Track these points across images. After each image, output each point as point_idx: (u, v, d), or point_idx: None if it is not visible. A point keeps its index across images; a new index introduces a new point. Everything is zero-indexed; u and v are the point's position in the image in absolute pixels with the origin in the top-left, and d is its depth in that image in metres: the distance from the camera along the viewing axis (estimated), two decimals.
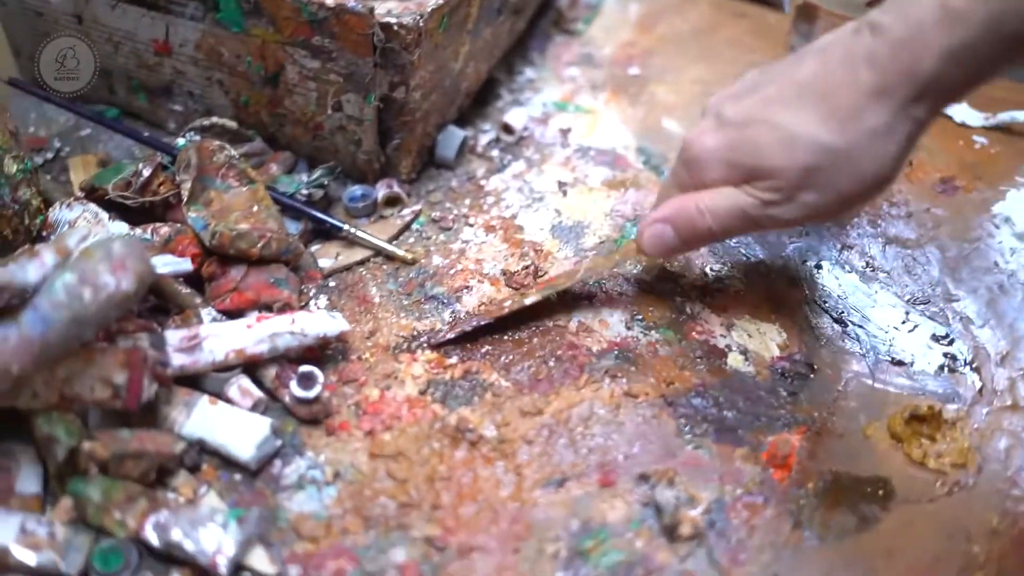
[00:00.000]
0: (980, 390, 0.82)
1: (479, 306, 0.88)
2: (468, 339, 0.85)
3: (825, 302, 0.88)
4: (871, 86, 0.68)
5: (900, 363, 0.84)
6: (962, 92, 0.69)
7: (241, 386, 0.78)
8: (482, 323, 0.85)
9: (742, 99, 0.75)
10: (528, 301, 0.85)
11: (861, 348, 0.85)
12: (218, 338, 0.77)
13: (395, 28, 0.85)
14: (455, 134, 1.01)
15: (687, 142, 0.78)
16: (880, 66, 0.68)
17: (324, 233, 0.94)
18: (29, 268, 0.66)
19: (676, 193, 0.80)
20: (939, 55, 0.66)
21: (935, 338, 0.86)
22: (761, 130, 0.72)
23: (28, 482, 0.71)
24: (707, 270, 0.91)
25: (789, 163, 0.71)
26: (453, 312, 0.87)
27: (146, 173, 0.86)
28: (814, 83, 0.71)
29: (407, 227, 0.96)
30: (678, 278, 0.90)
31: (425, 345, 0.84)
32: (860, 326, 0.86)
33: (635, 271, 0.89)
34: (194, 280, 0.85)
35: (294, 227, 0.91)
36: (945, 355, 0.84)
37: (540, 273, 0.91)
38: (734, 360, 0.83)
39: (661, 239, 0.80)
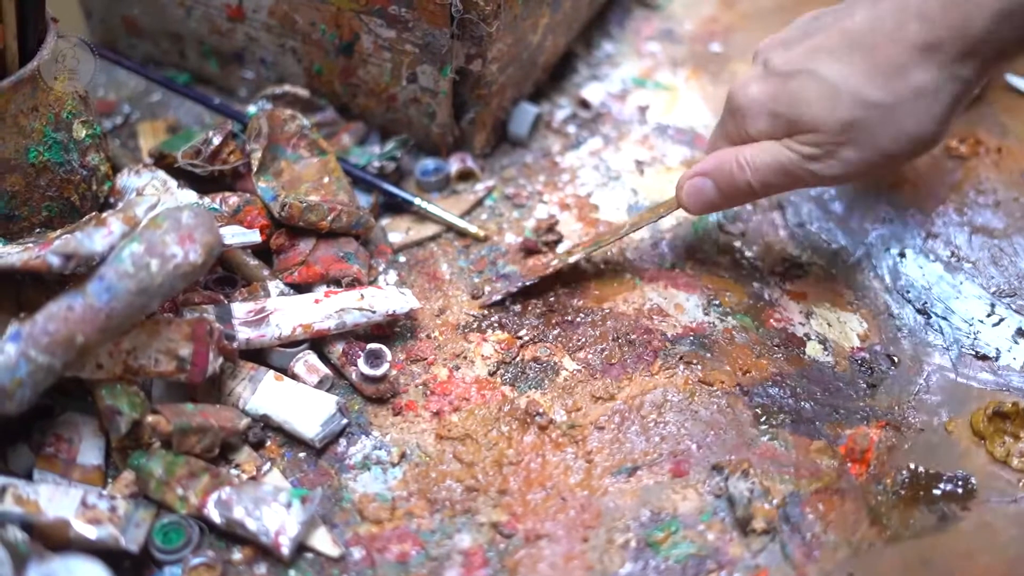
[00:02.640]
0: None
1: (526, 267, 0.87)
2: (517, 297, 0.85)
3: (908, 292, 0.85)
4: (920, 41, 0.67)
5: (984, 357, 0.81)
6: (1013, 54, 0.68)
7: (307, 362, 0.77)
8: (527, 283, 0.84)
9: (791, 47, 0.74)
10: (572, 259, 0.85)
11: (944, 341, 0.82)
12: (285, 312, 0.76)
13: None
14: (527, 111, 0.99)
15: (733, 90, 0.77)
16: (930, 20, 0.66)
17: (395, 207, 0.92)
18: (96, 237, 0.65)
19: (723, 144, 0.79)
20: (991, 14, 0.65)
21: (1021, 332, 0.83)
22: (805, 81, 0.71)
23: (90, 454, 0.71)
24: (787, 255, 0.88)
25: (830, 116, 0.70)
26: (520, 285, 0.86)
27: (216, 141, 0.85)
28: (862, 34, 0.70)
29: (479, 203, 0.94)
30: (756, 262, 0.88)
31: (480, 305, 0.85)
32: (943, 318, 0.84)
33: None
34: (262, 252, 0.84)
35: (364, 200, 0.90)
36: None
37: (558, 238, 0.90)
38: (812, 349, 0.81)
39: (700, 193, 0.79)
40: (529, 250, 0.88)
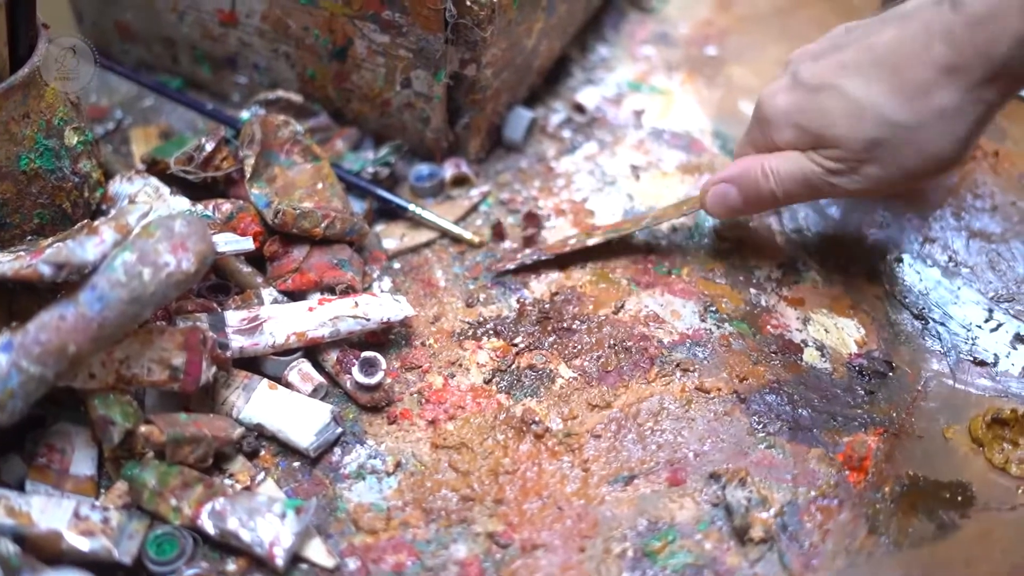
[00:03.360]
0: None
1: (544, 242, 0.89)
2: (527, 270, 0.87)
3: (905, 297, 0.85)
4: (944, 62, 0.68)
5: (983, 363, 0.81)
6: None
7: (302, 370, 0.76)
8: (543, 258, 0.86)
9: (819, 60, 0.75)
10: (590, 242, 0.87)
11: (942, 346, 0.82)
12: (279, 320, 0.76)
13: (468, 3, 0.83)
14: (522, 115, 0.98)
15: (760, 98, 0.78)
16: (955, 43, 0.67)
17: (389, 213, 0.92)
18: (88, 245, 0.65)
19: (750, 150, 0.80)
20: (1015, 40, 0.65)
21: (1020, 338, 0.82)
22: (830, 97, 0.72)
23: (83, 464, 0.71)
24: (783, 261, 0.88)
25: (853, 134, 0.71)
26: (520, 298, 0.85)
27: (209, 147, 0.84)
28: (888, 52, 0.70)
29: (474, 208, 0.94)
30: (753, 268, 0.87)
31: (490, 276, 0.86)
32: (941, 323, 0.83)
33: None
34: (255, 259, 0.83)
35: (358, 206, 0.90)
36: None
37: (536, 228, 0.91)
38: (810, 356, 0.81)
39: (724, 199, 0.81)
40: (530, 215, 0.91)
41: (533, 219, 0.91)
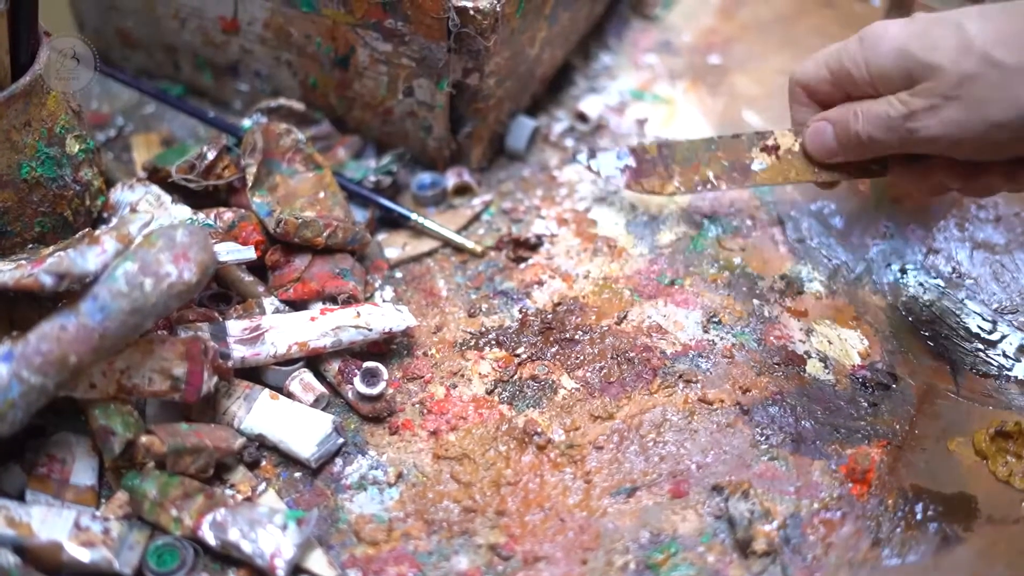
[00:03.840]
0: None
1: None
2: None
3: (909, 308, 0.85)
4: None
5: (986, 375, 0.80)
6: None
7: (303, 380, 0.76)
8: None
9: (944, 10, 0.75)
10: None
11: (946, 358, 0.81)
12: (280, 330, 0.76)
13: (471, 12, 0.83)
14: (525, 124, 0.98)
15: (872, 25, 0.77)
16: None
17: (391, 222, 0.92)
18: (89, 255, 0.64)
19: (832, 62, 0.79)
20: None
21: None
22: (947, 28, 0.72)
23: (83, 474, 0.70)
24: (787, 271, 0.88)
25: (951, 65, 0.70)
26: (522, 308, 0.85)
27: (210, 156, 0.84)
28: (1019, 5, 0.70)
29: (477, 217, 0.93)
30: (756, 279, 0.87)
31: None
32: (945, 335, 0.83)
33: None
34: (257, 268, 0.83)
35: (360, 215, 0.90)
36: None
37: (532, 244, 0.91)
38: (813, 367, 0.81)
39: (822, 136, 0.81)
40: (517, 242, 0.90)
41: (522, 245, 0.90)
